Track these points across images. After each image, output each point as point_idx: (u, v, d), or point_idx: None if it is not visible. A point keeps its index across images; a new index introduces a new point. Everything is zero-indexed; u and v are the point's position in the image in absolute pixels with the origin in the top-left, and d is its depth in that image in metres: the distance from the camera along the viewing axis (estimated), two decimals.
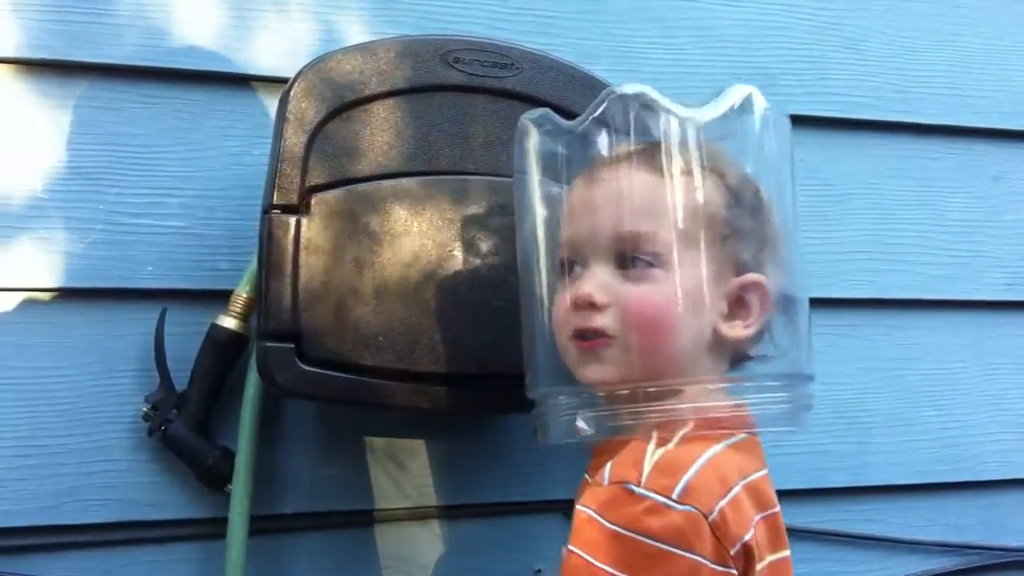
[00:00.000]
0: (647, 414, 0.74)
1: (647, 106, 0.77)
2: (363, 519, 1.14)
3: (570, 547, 0.70)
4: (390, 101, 0.98)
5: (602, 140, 0.80)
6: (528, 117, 0.87)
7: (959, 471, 1.36)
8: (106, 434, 1.06)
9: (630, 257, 0.76)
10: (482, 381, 0.99)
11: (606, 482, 0.71)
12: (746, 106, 0.80)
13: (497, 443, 1.18)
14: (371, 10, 1.15)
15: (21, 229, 1.04)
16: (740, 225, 0.77)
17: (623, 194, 0.78)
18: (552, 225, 0.84)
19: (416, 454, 1.15)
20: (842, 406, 1.31)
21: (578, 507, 0.72)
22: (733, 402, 0.77)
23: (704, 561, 0.67)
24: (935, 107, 1.36)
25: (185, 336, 1.06)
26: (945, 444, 1.35)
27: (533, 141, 0.85)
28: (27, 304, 1.05)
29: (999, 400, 1.38)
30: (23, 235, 1.04)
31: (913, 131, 1.35)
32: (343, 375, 0.95)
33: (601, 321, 0.76)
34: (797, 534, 1.27)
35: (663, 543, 0.67)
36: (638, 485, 0.69)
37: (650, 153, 0.78)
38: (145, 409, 1.04)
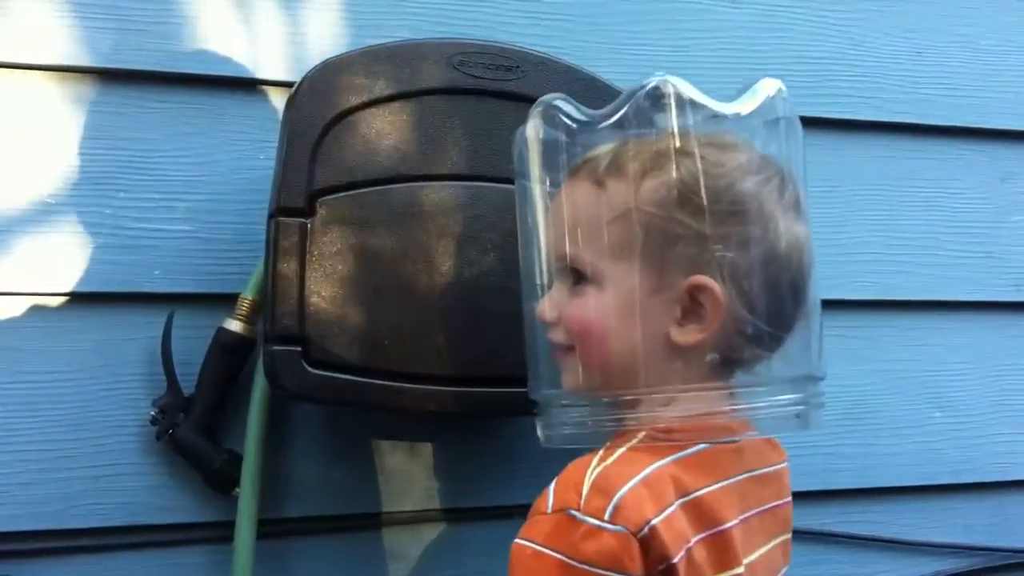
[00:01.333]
0: (603, 423, 0.75)
1: (657, 101, 0.76)
2: (370, 522, 1.14)
3: None
4: (395, 105, 0.98)
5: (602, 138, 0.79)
6: (535, 114, 0.84)
7: (966, 472, 1.35)
8: (114, 438, 1.06)
9: (571, 273, 0.78)
10: (488, 384, 0.99)
11: (549, 508, 0.70)
12: (776, 101, 0.80)
13: (503, 446, 1.18)
14: (377, 14, 1.15)
15: (29, 234, 1.05)
16: (690, 227, 0.73)
17: (564, 210, 0.78)
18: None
19: (423, 457, 1.16)
20: (850, 407, 1.31)
21: (521, 541, 0.69)
22: (704, 411, 0.74)
23: None
24: (942, 108, 1.35)
25: (192, 340, 1.06)
26: (952, 446, 1.35)
27: (534, 140, 0.84)
28: (35, 309, 1.05)
29: (1007, 401, 1.37)
30: (31, 240, 1.05)
31: (920, 132, 1.35)
32: (349, 378, 0.95)
33: (556, 336, 0.79)
34: (804, 536, 1.27)
35: (600, 568, 0.66)
36: (577, 508, 0.68)
37: (591, 163, 0.78)
38: (152, 413, 1.05)
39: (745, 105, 0.80)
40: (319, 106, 0.96)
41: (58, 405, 1.05)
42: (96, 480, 1.05)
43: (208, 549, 1.08)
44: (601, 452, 0.72)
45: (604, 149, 0.78)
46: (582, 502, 0.68)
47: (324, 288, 0.94)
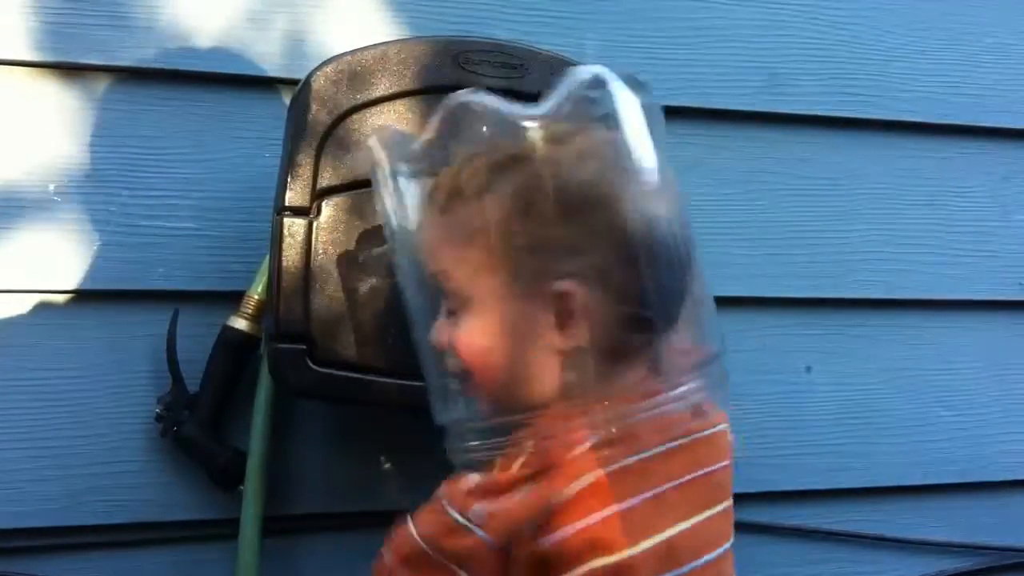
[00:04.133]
0: (487, 449, 0.75)
1: (470, 113, 0.76)
2: (375, 519, 1.13)
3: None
4: (400, 102, 0.98)
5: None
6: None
7: (971, 471, 1.35)
8: (119, 435, 1.06)
9: (447, 300, 0.78)
10: None
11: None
12: (591, 93, 0.76)
13: None
14: (382, 11, 1.15)
15: (34, 231, 1.05)
16: (537, 234, 0.72)
17: (425, 243, 0.79)
18: None
19: (427, 454, 1.15)
20: (853, 406, 1.31)
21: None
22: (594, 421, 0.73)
23: None
24: (945, 106, 1.35)
25: (197, 337, 1.06)
26: (957, 444, 1.35)
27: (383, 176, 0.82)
28: (40, 306, 1.05)
29: (1011, 400, 1.37)
30: (36, 237, 1.05)
31: (923, 130, 1.34)
32: (354, 375, 0.95)
33: (452, 364, 0.78)
34: (808, 534, 1.26)
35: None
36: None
37: (434, 192, 0.77)
38: (157, 410, 1.05)
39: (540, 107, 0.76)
40: (324, 104, 0.96)
41: (63, 402, 1.05)
42: (101, 477, 1.06)
43: (213, 546, 1.08)
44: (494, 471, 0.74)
45: (444, 173, 0.77)
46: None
47: (329, 286, 0.95)
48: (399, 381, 0.96)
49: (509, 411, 0.74)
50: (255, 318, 1.05)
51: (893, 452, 1.32)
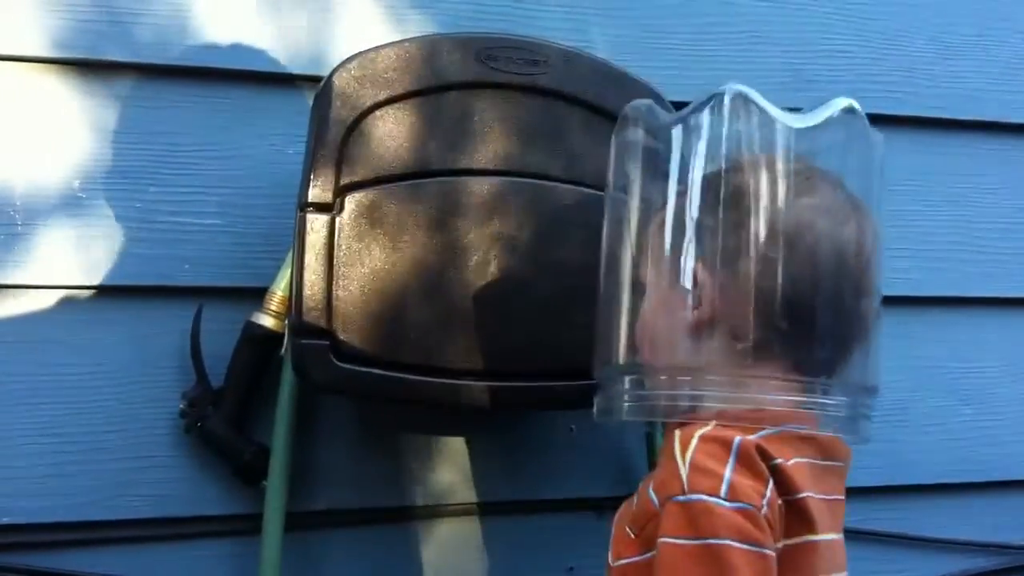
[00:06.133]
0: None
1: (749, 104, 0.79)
2: (397, 515, 1.14)
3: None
4: (423, 99, 0.98)
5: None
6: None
7: (995, 470, 1.34)
8: (144, 430, 1.07)
9: None
10: (515, 378, 0.99)
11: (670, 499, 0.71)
12: (843, 117, 0.83)
13: (530, 440, 1.18)
14: (406, 8, 1.15)
15: (60, 227, 1.06)
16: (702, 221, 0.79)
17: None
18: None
19: (449, 451, 1.16)
20: (876, 404, 1.30)
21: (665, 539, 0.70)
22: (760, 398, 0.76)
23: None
24: (973, 103, 1.34)
25: (221, 333, 1.07)
26: (980, 443, 1.34)
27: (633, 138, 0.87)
28: (66, 302, 1.06)
29: None
30: (62, 233, 1.06)
31: (950, 127, 1.34)
32: (377, 372, 0.95)
33: None
34: None
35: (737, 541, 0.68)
36: (696, 492, 0.69)
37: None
38: (182, 406, 1.05)
39: (808, 119, 0.82)
40: (347, 101, 0.96)
41: (88, 397, 1.06)
42: (126, 472, 1.06)
43: (237, 541, 1.09)
44: (676, 446, 0.73)
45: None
46: (686, 485, 0.69)
47: (352, 282, 0.95)
48: (422, 377, 0.96)
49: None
50: (279, 314, 1.05)
51: (915, 450, 1.31)
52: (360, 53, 0.98)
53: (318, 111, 0.96)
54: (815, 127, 0.81)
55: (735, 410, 0.75)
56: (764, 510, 0.69)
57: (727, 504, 0.68)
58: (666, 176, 0.82)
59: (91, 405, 1.06)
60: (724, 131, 0.79)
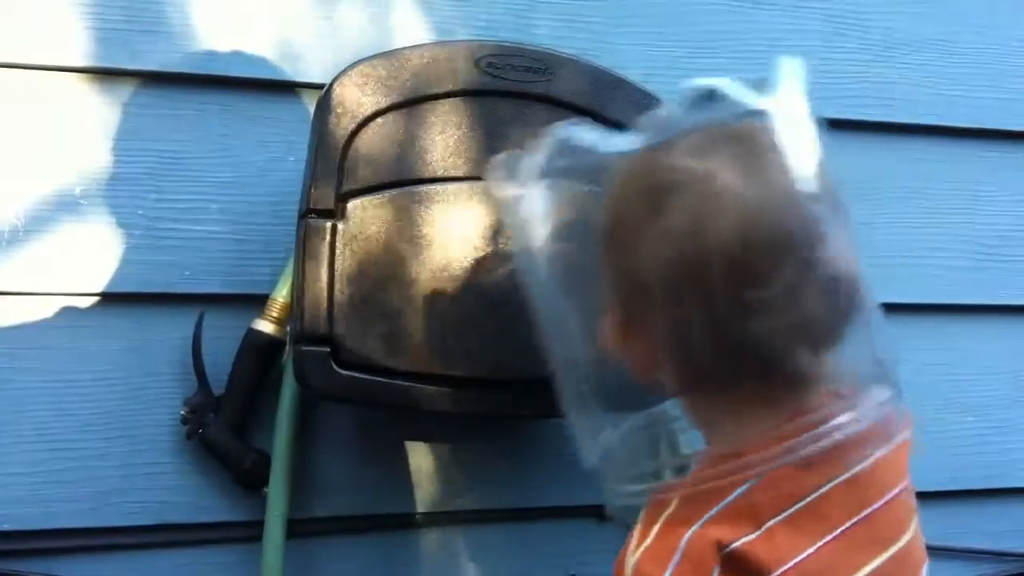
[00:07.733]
0: None
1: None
2: (398, 522, 1.14)
3: None
4: (424, 107, 0.98)
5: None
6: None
7: (996, 478, 1.34)
8: (144, 437, 1.07)
9: None
10: (515, 386, 0.99)
11: None
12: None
13: (530, 447, 1.18)
14: (407, 17, 1.15)
15: (61, 235, 1.06)
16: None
17: None
18: None
19: (450, 458, 1.16)
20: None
21: None
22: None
23: None
24: (971, 110, 1.34)
25: (223, 340, 1.07)
26: (983, 450, 1.34)
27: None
28: (66, 309, 1.06)
29: None
30: (63, 240, 1.06)
31: (949, 134, 1.33)
32: (378, 379, 0.95)
33: None
34: None
35: None
36: None
37: None
38: (183, 412, 1.06)
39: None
40: (348, 108, 0.96)
41: (90, 404, 1.06)
42: (127, 479, 1.06)
43: (238, 548, 1.09)
44: (638, 530, 0.70)
45: None
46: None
47: (353, 289, 0.95)
48: (423, 385, 0.96)
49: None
50: (280, 321, 1.06)
51: (919, 458, 1.31)
52: (361, 61, 0.98)
53: (319, 119, 0.97)
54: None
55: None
56: None
57: None
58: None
59: (93, 412, 1.06)
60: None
